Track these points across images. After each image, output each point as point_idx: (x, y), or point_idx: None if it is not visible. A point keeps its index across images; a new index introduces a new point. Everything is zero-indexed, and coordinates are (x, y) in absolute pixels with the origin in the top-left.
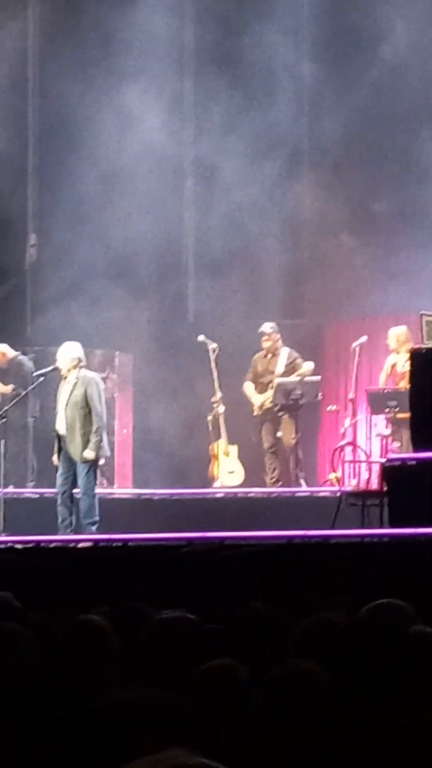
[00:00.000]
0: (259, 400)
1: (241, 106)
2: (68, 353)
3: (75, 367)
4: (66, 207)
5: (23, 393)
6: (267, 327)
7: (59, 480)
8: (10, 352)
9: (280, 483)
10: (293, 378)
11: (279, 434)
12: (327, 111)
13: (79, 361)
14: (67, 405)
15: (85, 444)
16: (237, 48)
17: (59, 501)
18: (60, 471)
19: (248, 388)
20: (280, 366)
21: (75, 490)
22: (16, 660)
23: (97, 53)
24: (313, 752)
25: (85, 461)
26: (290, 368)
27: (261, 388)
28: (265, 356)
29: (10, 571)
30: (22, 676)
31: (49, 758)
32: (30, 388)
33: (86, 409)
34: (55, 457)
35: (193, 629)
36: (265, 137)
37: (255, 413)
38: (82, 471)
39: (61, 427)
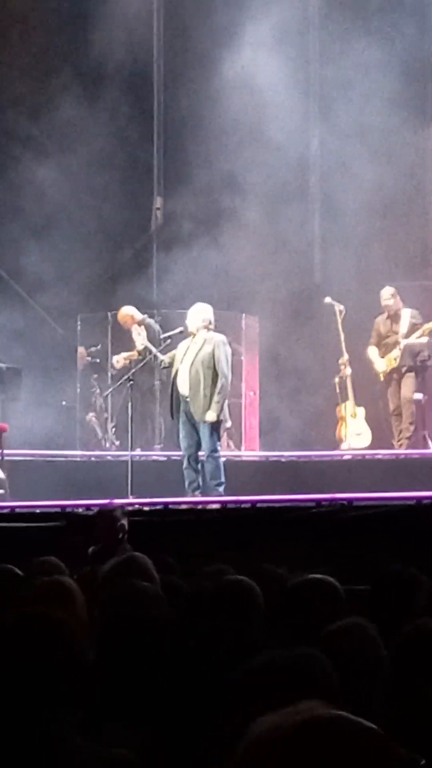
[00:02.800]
0: (382, 365)
1: (366, 47)
2: (198, 314)
3: (204, 328)
4: (191, 170)
5: (150, 356)
6: (386, 292)
7: (183, 443)
8: (137, 315)
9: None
10: (420, 339)
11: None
12: None
13: (209, 322)
14: (192, 364)
15: (208, 405)
16: None
17: (185, 464)
18: (182, 434)
19: (372, 352)
20: (403, 326)
21: (200, 453)
22: (155, 622)
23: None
24: None
25: (207, 423)
26: (413, 328)
27: (385, 349)
28: (387, 318)
29: (139, 533)
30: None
31: (185, 710)
32: (157, 350)
33: (212, 369)
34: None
35: (331, 591)
36: (392, 84)
37: (381, 379)
38: (205, 433)
39: (183, 386)
